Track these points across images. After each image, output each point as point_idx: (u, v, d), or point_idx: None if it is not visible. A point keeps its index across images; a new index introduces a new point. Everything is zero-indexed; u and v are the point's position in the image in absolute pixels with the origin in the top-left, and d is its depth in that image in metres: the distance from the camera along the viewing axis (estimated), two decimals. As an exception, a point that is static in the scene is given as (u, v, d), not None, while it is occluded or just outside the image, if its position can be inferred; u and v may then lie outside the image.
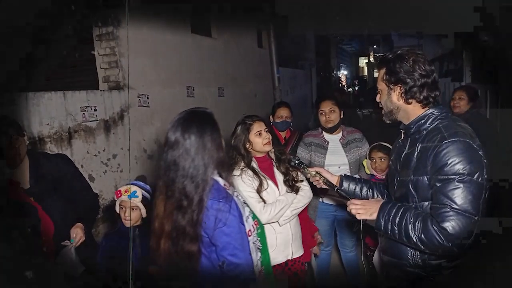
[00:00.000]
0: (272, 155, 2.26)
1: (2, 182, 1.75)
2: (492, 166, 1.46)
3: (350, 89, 20.59)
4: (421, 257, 1.53)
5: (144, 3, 4.34)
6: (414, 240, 1.42)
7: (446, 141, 1.42)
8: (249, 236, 1.67)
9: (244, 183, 2.07)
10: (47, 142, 3.25)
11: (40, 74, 3.87)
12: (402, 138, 1.67)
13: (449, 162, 1.39)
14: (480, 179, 1.38)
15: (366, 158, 2.71)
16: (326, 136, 2.81)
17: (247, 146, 2.15)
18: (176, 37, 4.96)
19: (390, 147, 2.41)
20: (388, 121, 1.66)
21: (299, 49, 11.94)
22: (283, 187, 2.19)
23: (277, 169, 2.23)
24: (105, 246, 2.08)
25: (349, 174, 2.53)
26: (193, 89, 5.24)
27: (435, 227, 1.38)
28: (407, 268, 1.57)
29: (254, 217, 1.81)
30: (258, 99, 7.14)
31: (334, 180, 1.93)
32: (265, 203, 2.07)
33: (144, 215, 2.19)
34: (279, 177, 2.21)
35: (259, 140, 2.14)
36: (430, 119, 1.53)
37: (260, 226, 1.83)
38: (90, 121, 3.66)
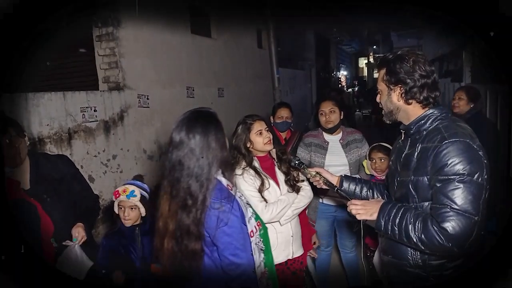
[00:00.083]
0: (274, 155, 2.26)
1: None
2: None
3: (349, 90, 20.60)
4: (421, 257, 1.53)
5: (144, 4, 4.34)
6: (414, 240, 1.42)
7: (446, 142, 1.42)
8: (252, 237, 1.68)
9: (246, 182, 2.08)
10: (47, 142, 3.25)
11: (40, 74, 3.87)
12: (402, 138, 1.68)
13: (449, 162, 1.39)
14: (480, 179, 1.38)
15: (366, 159, 2.71)
16: (326, 136, 2.81)
17: (248, 145, 2.16)
18: (176, 38, 4.96)
19: (390, 147, 2.41)
20: (388, 122, 1.66)
21: (299, 49, 11.96)
22: (284, 187, 2.20)
23: (279, 168, 2.24)
24: (106, 247, 2.08)
25: (349, 174, 2.53)
26: (193, 90, 5.24)
27: (435, 227, 1.38)
28: (407, 268, 1.57)
29: (257, 218, 1.81)
30: (258, 100, 7.14)
31: (334, 181, 1.93)
32: (266, 202, 2.08)
33: (144, 213, 2.20)
34: (281, 176, 2.22)
35: (260, 139, 2.15)
36: (430, 120, 1.53)
37: (263, 227, 1.83)
38: (90, 121, 3.66)
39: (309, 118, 6.04)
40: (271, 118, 3.27)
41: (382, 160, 2.59)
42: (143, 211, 2.18)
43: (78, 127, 3.54)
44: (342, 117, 2.82)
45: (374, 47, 23.38)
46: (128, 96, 4.14)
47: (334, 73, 19.16)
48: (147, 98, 4.39)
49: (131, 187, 2.16)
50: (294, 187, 2.20)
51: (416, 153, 1.52)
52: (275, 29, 7.63)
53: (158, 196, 1.58)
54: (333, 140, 2.79)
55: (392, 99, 1.58)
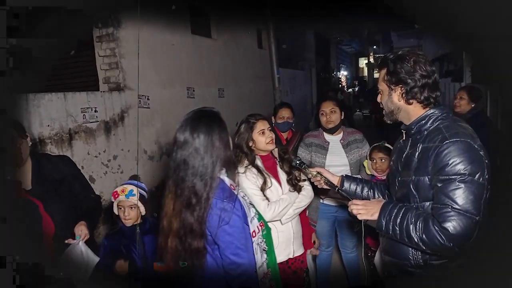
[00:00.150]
0: (276, 154, 2.27)
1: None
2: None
3: (350, 90, 20.59)
4: (422, 257, 1.53)
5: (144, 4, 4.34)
6: (415, 240, 1.42)
7: (447, 142, 1.42)
8: (254, 237, 1.68)
9: (248, 180, 2.09)
10: (48, 143, 3.25)
11: (41, 74, 3.86)
12: (403, 138, 1.68)
13: (450, 162, 1.39)
14: (481, 179, 1.38)
15: (367, 159, 2.71)
16: (327, 136, 2.81)
17: (250, 144, 2.17)
18: (176, 38, 4.97)
19: (391, 147, 2.41)
20: (389, 122, 1.66)
21: (299, 49, 11.96)
22: (286, 186, 2.21)
23: (281, 168, 2.25)
24: (107, 247, 2.09)
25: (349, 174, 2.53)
26: (193, 90, 5.24)
27: (436, 227, 1.38)
28: (409, 268, 1.57)
29: (260, 218, 1.81)
30: (258, 100, 7.14)
31: (335, 180, 1.93)
32: (268, 201, 2.09)
33: (143, 212, 2.21)
34: (282, 176, 2.23)
35: (262, 138, 2.16)
36: (431, 120, 1.53)
37: (266, 227, 1.84)
38: (91, 122, 3.66)
39: (309, 118, 6.05)
40: (273, 118, 3.27)
41: (383, 160, 2.59)
42: (142, 210, 2.20)
43: (79, 127, 3.54)
44: (343, 117, 2.82)
45: (374, 47, 23.39)
46: (129, 97, 4.15)
47: (335, 73, 19.15)
48: (148, 99, 4.40)
49: (130, 187, 2.18)
50: (295, 187, 2.21)
51: (417, 153, 1.52)
52: (275, 29, 7.64)
53: (163, 195, 1.60)
54: (334, 140, 2.79)
55: (393, 99, 1.58)
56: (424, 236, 1.40)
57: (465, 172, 1.38)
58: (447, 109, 1.59)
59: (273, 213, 2.06)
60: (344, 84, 21.07)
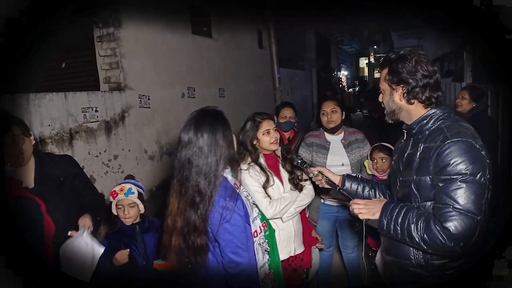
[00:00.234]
0: (279, 153, 2.29)
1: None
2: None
3: (350, 90, 20.58)
4: (423, 257, 1.53)
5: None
6: (417, 240, 1.43)
7: (448, 141, 1.42)
8: (255, 237, 1.68)
9: (251, 178, 2.11)
10: (48, 143, 3.25)
11: (41, 74, 3.87)
12: (404, 138, 1.68)
13: (451, 162, 1.39)
14: (482, 179, 1.39)
15: (368, 159, 2.71)
16: (328, 136, 2.81)
17: (255, 143, 2.19)
18: (177, 38, 4.97)
19: (392, 147, 2.41)
20: (390, 121, 1.66)
21: (299, 49, 11.96)
22: (287, 185, 2.22)
23: (283, 167, 2.27)
24: (107, 247, 2.09)
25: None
26: (194, 90, 5.24)
27: (437, 227, 1.38)
28: (410, 268, 1.57)
29: (263, 219, 1.82)
30: (258, 100, 7.14)
31: (336, 180, 1.93)
32: (270, 199, 2.11)
33: (142, 210, 2.22)
34: (285, 175, 2.25)
35: (267, 138, 2.18)
36: (433, 119, 1.53)
37: (269, 228, 1.84)
38: (91, 122, 3.66)
39: (310, 118, 6.05)
40: (275, 117, 3.27)
41: (384, 160, 2.59)
42: (142, 208, 2.21)
43: (80, 127, 3.54)
44: (343, 117, 2.82)
45: (375, 47, 23.37)
46: (129, 97, 4.15)
47: (335, 73, 19.14)
48: (148, 99, 4.40)
49: (128, 185, 2.20)
50: (297, 186, 2.23)
51: (419, 153, 1.52)
52: (276, 29, 7.64)
53: (167, 195, 1.61)
54: (335, 140, 2.79)
55: (394, 99, 1.59)
56: (425, 235, 1.41)
57: (467, 172, 1.38)
58: (448, 109, 1.59)
59: (275, 210, 2.08)
60: (344, 84, 21.06)
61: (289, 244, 2.22)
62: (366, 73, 26.09)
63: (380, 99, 1.67)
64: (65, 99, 3.41)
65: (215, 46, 5.96)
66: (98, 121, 3.74)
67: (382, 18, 11.03)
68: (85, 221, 2.01)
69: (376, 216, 1.53)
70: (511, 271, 1.46)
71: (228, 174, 1.63)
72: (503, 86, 4.19)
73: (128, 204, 2.18)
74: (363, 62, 26.64)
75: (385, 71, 1.59)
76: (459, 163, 1.38)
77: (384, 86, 1.62)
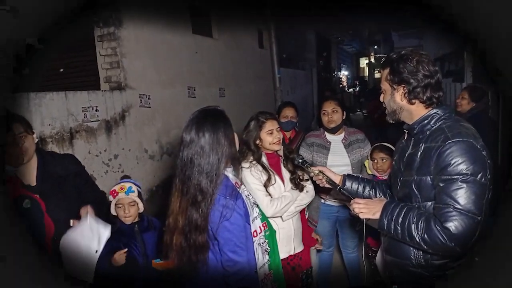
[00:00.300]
0: (281, 152, 2.30)
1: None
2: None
3: (351, 90, 20.57)
4: (424, 257, 1.53)
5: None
6: (417, 239, 1.43)
7: (449, 141, 1.42)
8: (255, 236, 1.69)
9: (252, 176, 2.11)
10: (49, 142, 3.25)
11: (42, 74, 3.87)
12: (405, 138, 1.68)
13: (452, 162, 1.39)
14: (483, 179, 1.39)
15: (368, 159, 2.71)
16: (328, 136, 2.80)
17: (257, 142, 2.20)
18: (177, 38, 4.97)
19: (392, 147, 2.41)
20: (391, 121, 1.66)
21: (299, 49, 11.95)
22: (288, 184, 2.23)
23: (285, 166, 2.28)
24: (107, 247, 2.08)
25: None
26: (194, 90, 5.24)
27: (438, 227, 1.38)
28: (410, 268, 1.57)
29: (263, 219, 1.82)
30: (259, 100, 7.14)
31: (337, 179, 1.93)
32: (271, 197, 2.11)
33: (142, 209, 2.22)
34: (286, 174, 2.26)
35: (270, 138, 2.19)
36: (434, 120, 1.53)
37: (270, 229, 1.84)
38: (92, 121, 3.66)
39: (310, 118, 6.05)
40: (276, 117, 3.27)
41: (384, 160, 2.59)
42: (141, 206, 2.22)
43: (80, 126, 3.55)
44: (344, 117, 2.81)
45: (375, 47, 23.35)
46: (130, 96, 4.15)
47: (335, 73, 19.13)
48: (149, 98, 4.40)
49: (128, 184, 2.21)
50: (298, 186, 2.23)
51: (419, 152, 1.52)
52: (276, 29, 7.64)
53: (170, 194, 1.63)
54: (336, 140, 2.79)
55: (395, 99, 1.59)
56: (425, 235, 1.41)
57: (467, 172, 1.38)
58: (449, 109, 1.59)
59: (275, 209, 2.09)
60: (345, 84, 21.05)
61: (288, 243, 2.23)
62: (366, 73, 26.08)
63: (381, 99, 1.67)
64: (65, 99, 3.42)
65: (216, 46, 5.96)
66: (99, 121, 3.75)
67: (382, 18, 11.03)
68: (88, 210, 1.99)
69: (377, 215, 1.53)
70: None
71: (229, 172, 1.64)
72: (503, 86, 4.19)
73: (129, 202, 2.18)
74: (363, 62, 26.63)
75: (387, 71, 1.59)
76: (460, 163, 1.38)
77: (385, 86, 1.62)
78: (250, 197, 1.76)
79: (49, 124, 3.26)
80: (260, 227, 1.75)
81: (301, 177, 2.26)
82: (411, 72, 1.51)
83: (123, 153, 4.03)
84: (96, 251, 1.93)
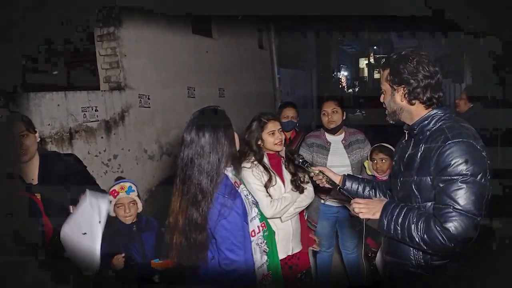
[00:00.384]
0: (283, 153, 2.30)
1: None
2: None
3: (350, 90, 20.59)
4: (423, 257, 1.53)
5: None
6: (417, 240, 1.43)
7: (449, 142, 1.42)
8: (253, 236, 1.69)
9: (253, 176, 2.12)
10: (48, 142, 3.25)
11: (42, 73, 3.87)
12: (405, 138, 1.68)
13: (452, 162, 1.39)
14: (483, 180, 1.39)
15: (368, 159, 2.71)
16: (328, 137, 2.80)
17: (259, 143, 2.21)
18: (177, 38, 4.96)
19: (392, 148, 2.41)
20: (391, 122, 1.66)
21: (299, 50, 11.94)
22: (289, 186, 2.24)
23: (286, 168, 2.28)
24: (106, 248, 2.08)
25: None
26: (194, 90, 5.24)
27: (437, 227, 1.38)
28: (410, 268, 1.57)
29: (262, 219, 1.82)
30: (258, 100, 7.14)
31: (337, 179, 1.93)
32: (271, 198, 2.12)
33: (141, 209, 2.23)
34: (287, 175, 2.26)
35: (271, 139, 2.20)
36: (434, 120, 1.53)
37: (268, 229, 1.84)
38: (91, 121, 3.66)
39: (310, 119, 6.05)
40: None
41: (383, 161, 2.59)
42: (140, 206, 2.24)
43: (79, 126, 3.54)
44: (344, 117, 2.81)
45: (375, 47, 23.38)
46: (129, 96, 4.15)
47: (335, 73, 19.13)
48: (148, 98, 4.40)
49: (128, 183, 2.23)
50: (299, 188, 2.24)
51: (420, 153, 1.52)
52: (276, 29, 7.64)
53: (171, 194, 1.64)
54: (335, 141, 2.78)
55: (395, 99, 1.58)
56: (425, 236, 1.41)
57: (467, 172, 1.38)
58: (449, 109, 1.59)
59: (275, 210, 2.09)
60: (344, 84, 21.07)
61: (287, 244, 2.23)
62: (366, 73, 26.10)
63: (381, 99, 1.67)
64: (65, 99, 3.41)
65: (216, 46, 5.96)
66: (98, 121, 3.74)
67: (382, 18, 11.02)
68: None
69: (377, 216, 1.53)
70: None
71: (229, 172, 1.65)
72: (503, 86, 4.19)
73: (129, 202, 2.19)
74: (363, 62, 26.65)
75: (387, 71, 1.59)
76: (459, 164, 1.38)
77: (385, 86, 1.61)
78: (249, 197, 1.77)
79: (49, 124, 3.26)
80: (258, 227, 1.75)
81: (301, 179, 2.27)
82: (411, 72, 1.51)
83: (122, 153, 4.03)
84: (100, 222, 1.90)
